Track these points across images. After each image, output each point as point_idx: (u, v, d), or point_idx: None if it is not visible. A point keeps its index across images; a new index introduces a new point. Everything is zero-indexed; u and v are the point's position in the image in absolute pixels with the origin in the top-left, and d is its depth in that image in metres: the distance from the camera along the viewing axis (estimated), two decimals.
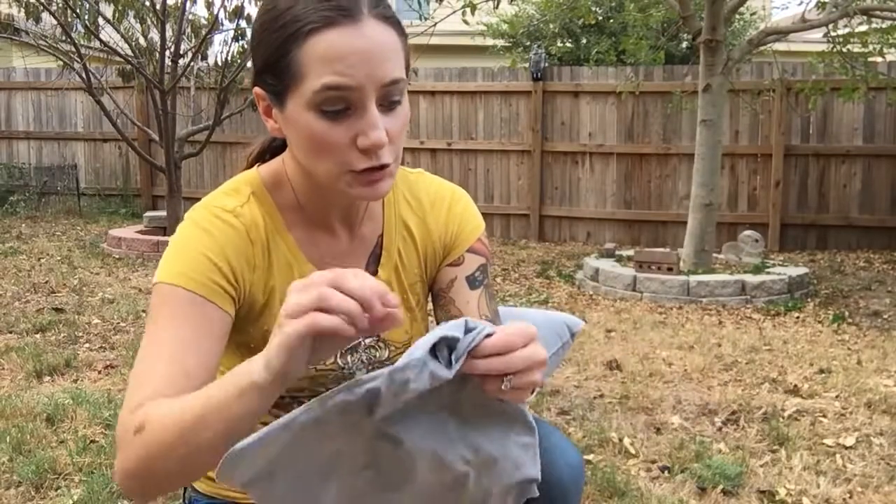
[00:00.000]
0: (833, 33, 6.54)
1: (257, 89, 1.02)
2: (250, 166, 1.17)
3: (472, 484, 0.87)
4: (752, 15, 11.82)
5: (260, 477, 0.78)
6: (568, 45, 11.15)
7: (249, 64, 7.11)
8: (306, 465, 0.80)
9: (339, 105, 0.94)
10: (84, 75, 7.05)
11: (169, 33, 6.90)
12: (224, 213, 1.05)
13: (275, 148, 1.17)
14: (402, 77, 0.97)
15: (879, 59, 7.06)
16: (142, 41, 7.50)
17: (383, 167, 0.97)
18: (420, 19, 6.47)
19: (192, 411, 0.83)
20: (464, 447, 0.85)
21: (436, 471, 0.84)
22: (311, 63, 0.93)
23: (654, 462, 2.68)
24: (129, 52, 7.05)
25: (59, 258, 6.76)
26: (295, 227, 1.10)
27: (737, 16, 10.47)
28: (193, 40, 7.41)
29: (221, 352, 0.99)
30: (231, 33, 7.30)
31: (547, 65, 8.86)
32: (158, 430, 0.84)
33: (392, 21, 0.97)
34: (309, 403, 0.75)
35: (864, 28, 6.78)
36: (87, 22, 6.90)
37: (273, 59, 0.96)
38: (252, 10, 7.15)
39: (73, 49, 6.97)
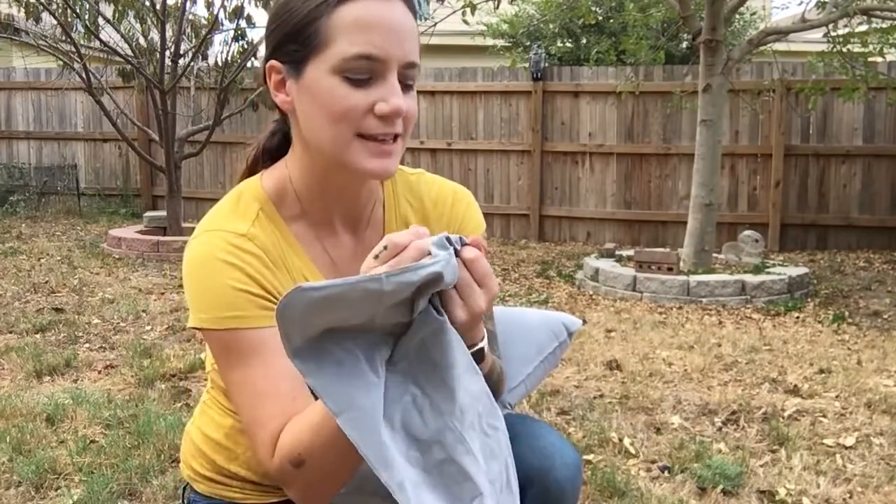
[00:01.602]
0: (833, 33, 6.53)
1: (272, 63, 1.04)
2: (251, 167, 1.18)
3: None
4: (752, 15, 11.81)
5: (317, 343, 0.77)
6: (568, 45, 11.14)
7: (250, 64, 7.19)
8: (356, 346, 0.79)
9: (363, 74, 0.97)
10: (84, 75, 7.05)
11: (169, 33, 6.90)
12: (238, 238, 1.05)
13: (274, 148, 1.17)
14: (419, 63, 1.02)
15: (879, 59, 7.05)
16: (142, 41, 7.50)
17: (395, 138, 1.01)
18: (420, 19, 6.46)
19: (328, 431, 0.88)
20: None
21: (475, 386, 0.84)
22: (341, 29, 0.97)
23: (654, 462, 2.68)
24: (129, 52, 7.05)
25: (59, 258, 6.76)
26: (302, 237, 1.12)
27: (737, 16, 10.47)
28: (193, 40, 7.42)
29: None
30: (231, 33, 7.30)
31: (547, 65, 8.86)
32: (316, 460, 0.94)
33: (412, 8, 1.02)
34: (375, 273, 0.75)
35: (864, 28, 6.78)
36: (87, 22, 6.90)
37: (300, 27, 0.99)
38: (252, 10, 7.16)
39: (73, 49, 6.98)
